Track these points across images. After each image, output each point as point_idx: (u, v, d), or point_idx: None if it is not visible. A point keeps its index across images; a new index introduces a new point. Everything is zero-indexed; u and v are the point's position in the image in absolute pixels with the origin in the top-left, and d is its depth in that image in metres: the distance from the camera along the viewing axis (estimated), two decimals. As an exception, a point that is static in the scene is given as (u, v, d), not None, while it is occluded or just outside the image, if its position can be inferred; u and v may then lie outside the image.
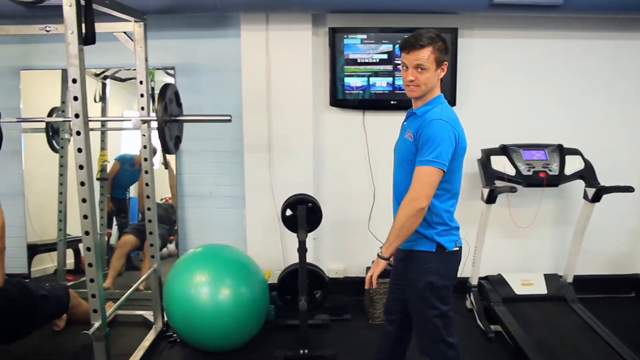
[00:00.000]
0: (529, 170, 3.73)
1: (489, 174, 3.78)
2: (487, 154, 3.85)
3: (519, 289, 3.91)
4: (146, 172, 3.51)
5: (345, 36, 3.87)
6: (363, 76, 3.93)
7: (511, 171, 3.75)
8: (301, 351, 3.40)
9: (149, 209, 3.56)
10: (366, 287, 2.52)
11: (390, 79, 3.91)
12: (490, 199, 3.70)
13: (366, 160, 4.10)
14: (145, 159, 3.50)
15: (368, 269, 3.91)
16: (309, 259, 3.53)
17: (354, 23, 3.95)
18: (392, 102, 3.95)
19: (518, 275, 4.05)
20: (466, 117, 4.00)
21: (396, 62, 3.88)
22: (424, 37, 2.28)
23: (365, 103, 3.98)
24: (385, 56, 3.89)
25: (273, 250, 4.14)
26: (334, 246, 4.27)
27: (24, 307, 3.03)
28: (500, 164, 3.79)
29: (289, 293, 3.70)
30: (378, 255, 2.42)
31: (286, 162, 4.04)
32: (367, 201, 4.16)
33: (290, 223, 3.49)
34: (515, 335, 3.38)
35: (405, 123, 2.51)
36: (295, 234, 3.46)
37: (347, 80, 3.93)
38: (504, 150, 3.85)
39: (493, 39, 4.02)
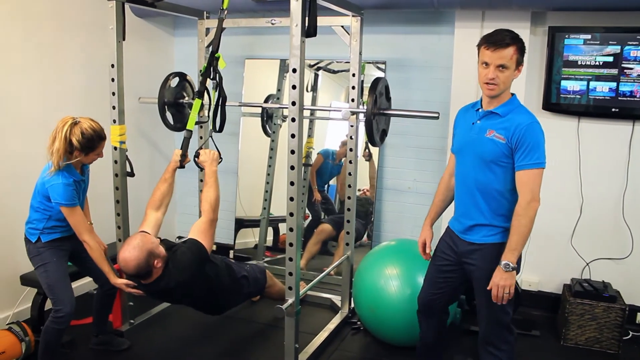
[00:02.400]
0: None
1: None
2: None
3: None
4: (350, 162, 3.63)
5: (566, 36, 3.62)
6: (582, 80, 3.65)
7: None
8: None
9: (349, 197, 3.68)
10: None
11: (613, 84, 3.58)
12: None
13: (576, 171, 3.81)
14: (351, 149, 3.62)
15: (566, 285, 3.74)
16: (503, 267, 3.39)
17: (575, 22, 3.68)
18: (613, 109, 3.61)
19: None
20: None
21: (623, 65, 3.54)
22: (508, 37, 2.30)
23: (582, 109, 3.69)
24: (610, 59, 3.56)
25: (465, 253, 4.04)
26: (531, 257, 4.02)
27: (229, 285, 3.27)
28: None
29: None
30: (508, 267, 2.32)
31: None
32: (572, 214, 3.88)
33: (487, 227, 3.37)
34: None
35: (478, 122, 2.45)
36: (491, 240, 3.34)
37: (563, 83, 3.68)
38: None
39: None
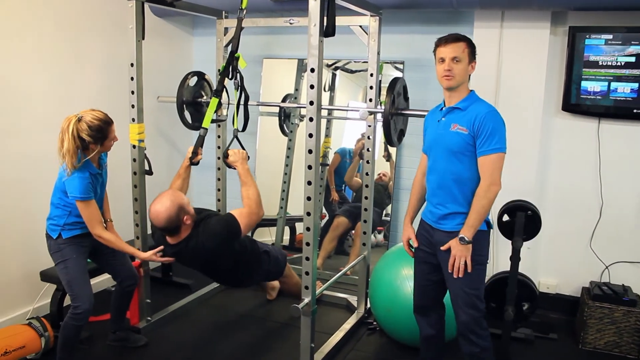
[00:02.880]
0: None
1: None
2: None
3: None
4: (367, 162, 3.62)
5: (587, 36, 3.57)
6: (603, 80, 3.60)
7: None
8: (498, 362, 3.28)
9: (366, 197, 3.67)
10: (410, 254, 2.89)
11: (635, 85, 3.52)
12: None
13: (596, 173, 3.77)
14: (368, 149, 3.62)
15: (584, 288, 3.70)
16: (521, 269, 3.37)
17: (597, 22, 3.63)
18: (635, 110, 3.55)
19: None
20: None
21: (645, 66, 3.49)
22: (458, 34, 2.57)
23: (603, 110, 3.65)
24: (632, 59, 3.50)
25: (483, 255, 4.01)
26: (549, 259, 4.01)
27: (252, 257, 3.33)
28: None
29: (494, 301, 3.57)
30: (464, 240, 2.51)
31: (508, 165, 3.78)
32: (591, 216, 3.83)
33: (506, 229, 3.35)
34: None
35: (443, 119, 2.63)
36: (509, 241, 3.33)
37: (583, 84, 3.64)
38: None
39: None
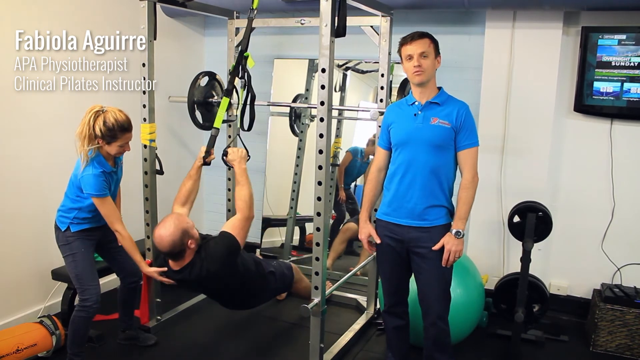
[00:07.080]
0: None
1: None
2: None
3: None
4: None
5: (600, 36, 3.55)
6: (616, 81, 3.57)
7: None
8: (509, 364, 3.27)
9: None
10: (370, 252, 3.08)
11: (649, 86, 3.51)
12: None
13: (608, 174, 3.74)
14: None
15: (596, 290, 3.68)
16: (531, 270, 3.36)
17: (610, 22, 3.60)
18: (648, 111, 3.54)
19: None
20: None
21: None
22: (422, 31, 2.63)
23: (616, 111, 3.62)
24: (645, 60, 3.50)
25: (494, 256, 4.01)
26: (560, 261, 3.99)
27: (257, 280, 3.29)
28: None
29: (505, 302, 3.56)
30: (460, 234, 2.62)
31: (519, 166, 3.86)
32: (603, 218, 3.81)
33: (516, 230, 3.34)
34: None
35: (420, 112, 2.67)
36: (520, 242, 3.31)
37: (596, 84, 3.61)
38: None
39: None
